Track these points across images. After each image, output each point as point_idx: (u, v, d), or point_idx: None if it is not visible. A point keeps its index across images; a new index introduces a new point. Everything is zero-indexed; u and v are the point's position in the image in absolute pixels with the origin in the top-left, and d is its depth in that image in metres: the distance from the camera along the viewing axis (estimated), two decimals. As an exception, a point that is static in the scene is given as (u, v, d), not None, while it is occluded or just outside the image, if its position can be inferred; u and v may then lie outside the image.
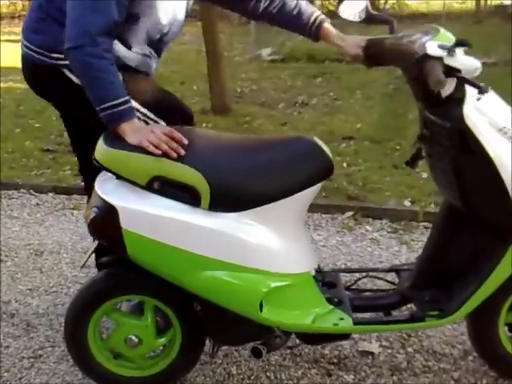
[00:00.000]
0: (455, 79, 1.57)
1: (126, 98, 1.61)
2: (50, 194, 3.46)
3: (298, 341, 2.05)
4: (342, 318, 1.69)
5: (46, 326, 2.21)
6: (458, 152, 1.62)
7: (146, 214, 1.58)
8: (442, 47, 1.54)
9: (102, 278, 1.79)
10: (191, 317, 1.74)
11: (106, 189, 1.64)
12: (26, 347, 2.09)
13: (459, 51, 1.56)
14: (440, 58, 1.53)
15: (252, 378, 1.93)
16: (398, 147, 3.92)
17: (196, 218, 1.58)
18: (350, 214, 3.09)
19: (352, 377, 1.93)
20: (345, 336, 1.82)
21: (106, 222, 1.61)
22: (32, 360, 2.03)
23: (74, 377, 1.93)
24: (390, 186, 3.37)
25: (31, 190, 3.50)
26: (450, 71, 1.53)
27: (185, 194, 1.57)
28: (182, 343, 1.77)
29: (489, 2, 10.98)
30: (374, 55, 1.76)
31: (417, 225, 2.98)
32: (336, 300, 1.76)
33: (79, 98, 1.69)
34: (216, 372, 1.95)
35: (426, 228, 2.92)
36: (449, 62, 1.53)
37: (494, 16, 9.56)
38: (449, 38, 1.60)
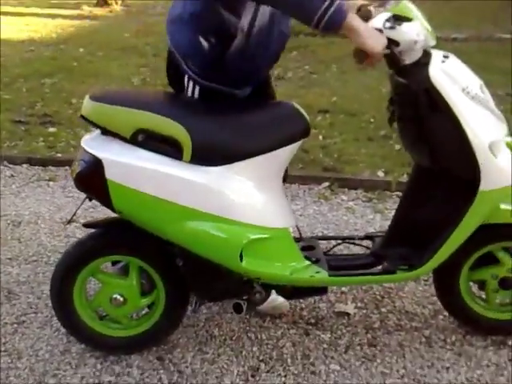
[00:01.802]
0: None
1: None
2: (25, 166, 3.43)
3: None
4: (318, 272, 1.78)
5: (28, 293, 2.23)
6: (425, 111, 1.71)
7: (129, 165, 1.63)
8: (388, 20, 1.64)
9: (87, 239, 1.82)
10: (175, 277, 1.79)
11: (92, 144, 1.69)
12: (8, 314, 2.11)
13: (410, 24, 1.65)
14: (380, 30, 1.62)
15: (234, 338, 1.99)
16: (372, 120, 4.00)
17: (177, 170, 1.63)
18: (326, 184, 3.17)
19: (329, 335, 2.01)
20: (321, 290, 1.91)
21: (91, 174, 1.66)
22: (15, 326, 2.05)
23: (59, 341, 1.96)
24: (364, 157, 3.45)
25: (5, 162, 3.45)
26: (389, 43, 1.62)
27: (167, 147, 1.63)
28: (166, 304, 1.82)
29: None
30: None
31: (390, 194, 3.08)
32: (314, 259, 1.84)
33: None
34: (199, 334, 2.01)
35: (399, 197, 3.02)
36: (389, 34, 1.63)
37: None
38: (406, 9, 1.68)
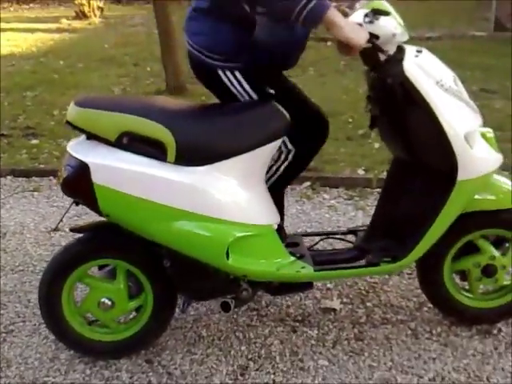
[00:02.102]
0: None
1: None
2: (9, 178, 3.43)
3: (264, 302, 2.16)
4: (303, 267, 1.81)
5: (16, 302, 2.23)
6: (401, 104, 1.76)
7: (115, 168, 1.66)
8: (366, 15, 1.70)
9: (74, 244, 1.84)
10: (162, 278, 1.81)
11: (78, 148, 1.72)
12: (-4, 323, 2.11)
13: (388, 19, 1.71)
14: (360, 25, 1.69)
15: (222, 338, 2.01)
16: (350, 120, 4.07)
17: (162, 171, 1.66)
18: (308, 183, 3.21)
19: (316, 332, 2.04)
20: (307, 286, 1.93)
21: (78, 179, 1.68)
22: (4, 335, 2.04)
23: (48, 348, 1.97)
24: (344, 156, 3.51)
25: (-11, 175, 3.45)
26: (370, 37, 1.69)
27: (152, 149, 1.66)
28: (154, 306, 1.84)
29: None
30: None
31: (371, 191, 3.13)
32: (298, 255, 1.86)
33: (233, 98, 1.78)
34: (187, 335, 2.03)
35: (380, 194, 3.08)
36: (368, 28, 1.69)
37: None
38: (381, 5, 1.73)
